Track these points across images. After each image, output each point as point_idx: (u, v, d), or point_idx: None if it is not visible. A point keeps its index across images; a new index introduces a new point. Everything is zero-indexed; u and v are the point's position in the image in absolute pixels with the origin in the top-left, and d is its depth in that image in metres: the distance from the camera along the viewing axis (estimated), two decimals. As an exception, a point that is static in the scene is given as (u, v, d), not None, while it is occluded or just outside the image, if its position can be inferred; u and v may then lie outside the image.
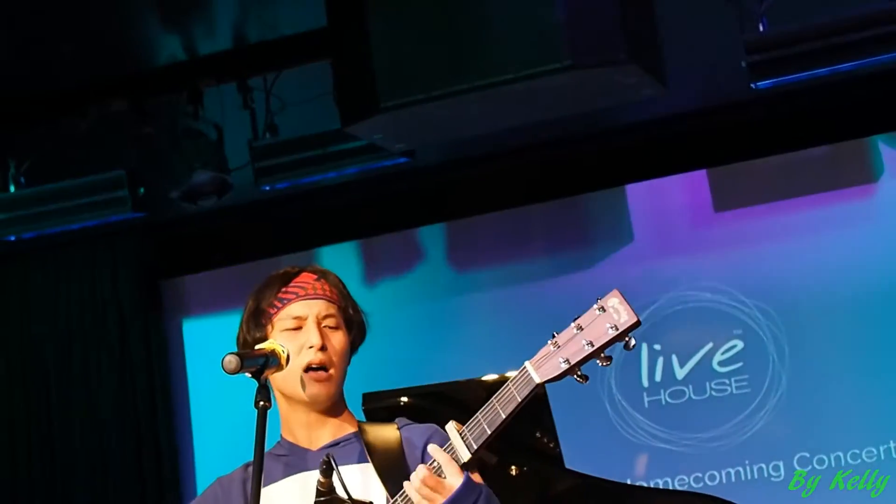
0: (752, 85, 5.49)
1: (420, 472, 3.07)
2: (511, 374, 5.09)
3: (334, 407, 3.44)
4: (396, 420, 3.45)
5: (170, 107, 6.38)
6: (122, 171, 6.52)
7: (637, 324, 2.84)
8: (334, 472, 2.97)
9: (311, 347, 3.36)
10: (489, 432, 2.96)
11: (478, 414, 2.99)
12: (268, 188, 6.41)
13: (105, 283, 7.88)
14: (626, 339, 2.86)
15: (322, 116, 6.01)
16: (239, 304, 3.46)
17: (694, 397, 7.02)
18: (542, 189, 7.39)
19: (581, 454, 5.34)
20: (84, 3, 5.70)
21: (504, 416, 2.94)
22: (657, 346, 7.10)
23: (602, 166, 7.30)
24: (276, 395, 3.46)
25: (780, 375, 6.92)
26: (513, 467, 4.85)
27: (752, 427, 6.92)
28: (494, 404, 2.96)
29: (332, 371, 3.37)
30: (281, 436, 3.49)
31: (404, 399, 5.05)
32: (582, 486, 4.91)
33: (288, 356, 3.25)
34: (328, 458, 3.00)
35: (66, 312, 7.87)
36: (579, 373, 2.90)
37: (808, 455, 6.82)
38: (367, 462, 3.32)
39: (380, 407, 4.95)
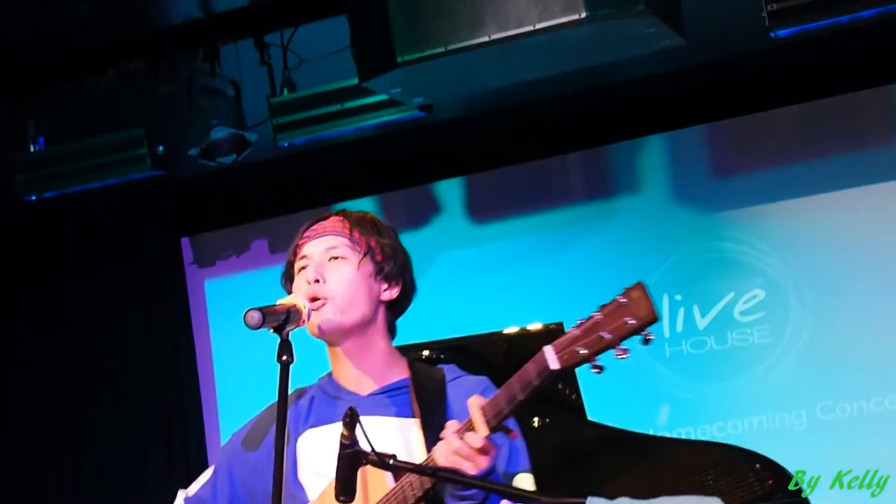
0: (772, 34, 5.45)
1: (452, 442, 3.07)
2: (532, 326, 5.12)
3: (374, 341, 3.45)
4: (446, 369, 3.44)
5: (187, 65, 6.37)
6: (140, 130, 6.52)
7: (656, 319, 2.88)
8: (357, 425, 2.99)
9: (308, 283, 3.37)
10: (506, 412, 3.02)
11: (498, 392, 3.03)
12: (286, 144, 6.41)
13: (127, 242, 7.91)
14: (644, 333, 2.90)
15: (339, 71, 6.00)
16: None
17: (716, 347, 7.02)
18: (561, 142, 7.38)
19: (603, 405, 5.34)
20: (100, -37, 5.70)
21: (521, 398, 2.99)
22: (678, 297, 7.10)
23: (621, 118, 7.29)
24: None
25: (801, 324, 6.91)
26: (535, 419, 4.86)
27: (774, 376, 6.92)
28: (513, 383, 3.00)
29: (330, 299, 3.35)
30: (331, 374, 3.49)
31: (426, 353, 5.05)
32: (604, 437, 4.92)
33: (309, 311, 3.27)
34: (351, 410, 3.01)
35: (89, 271, 7.90)
36: (595, 362, 2.94)
37: (830, 403, 6.82)
38: (412, 417, 3.33)
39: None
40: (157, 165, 6.55)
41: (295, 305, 3.23)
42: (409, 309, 3.60)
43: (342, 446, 2.99)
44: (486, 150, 7.47)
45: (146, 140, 6.51)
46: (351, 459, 3.00)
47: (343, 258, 3.41)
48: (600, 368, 2.93)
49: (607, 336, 2.90)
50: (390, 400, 3.37)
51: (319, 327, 3.33)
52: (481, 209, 7.55)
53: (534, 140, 7.39)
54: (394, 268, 3.45)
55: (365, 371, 3.41)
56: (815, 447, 6.73)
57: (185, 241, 8.03)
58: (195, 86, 6.39)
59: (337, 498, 3.00)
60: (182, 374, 7.85)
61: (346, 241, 3.43)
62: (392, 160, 7.59)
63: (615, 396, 6.77)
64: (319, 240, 3.45)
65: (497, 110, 7.29)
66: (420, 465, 3.08)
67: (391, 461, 3.01)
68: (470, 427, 3.06)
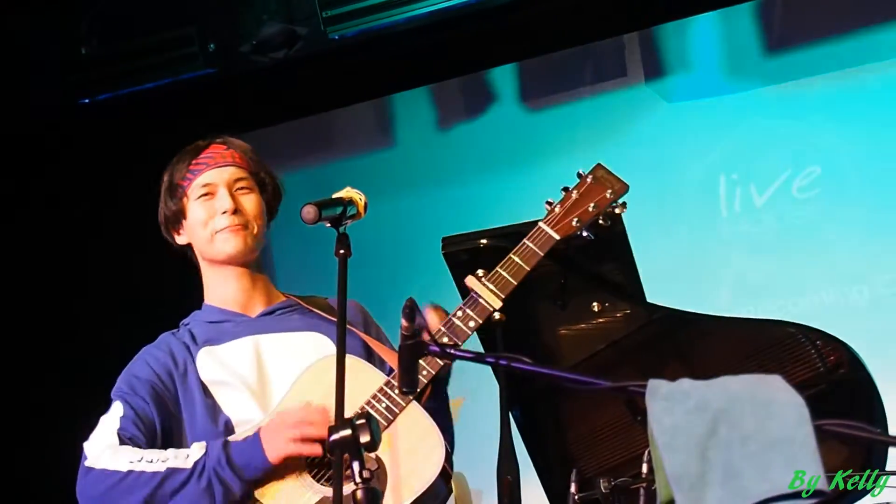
0: None
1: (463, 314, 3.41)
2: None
3: (258, 269, 3.55)
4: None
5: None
6: (192, 28, 6.52)
7: (628, 188, 3.52)
8: (417, 316, 3.01)
9: (224, 213, 3.47)
10: (516, 283, 3.46)
11: (496, 269, 3.48)
12: (337, 37, 6.40)
13: (181, 141, 7.90)
14: (620, 202, 3.52)
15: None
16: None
17: (774, 225, 6.98)
18: (613, 24, 7.31)
19: (662, 286, 5.34)
20: None
21: (527, 269, 3.47)
22: (734, 176, 7.05)
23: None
24: (201, 264, 3.57)
25: (861, 198, 6.84)
26: (594, 304, 4.87)
27: (834, 251, 6.88)
28: (511, 259, 3.47)
29: (247, 226, 3.47)
30: (205, 303, 3.59)
31: (484, 241, 5.05)
32: (664, 318, 4.93)
33: (366, 203, 3.31)
34: (411, 302, 3.04)
35: (144, 172, 7.91)
36: (587, 232, 3.52)
37: (892, 277, 6.77)
38: (314, 332, 3.56)
39: (460, 249, 4.98)
40: (209, 63, 6.56)
41: (351, 199, 3.27)
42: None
43: (403, 338, 3.02)
44: (539, 34, 7.41)
45: (197, 38, 6.51)
46: (412, 350, 3.03)
47: (250, 189, 3.62)
48: (593, 236, 3.53)
49: (593, 208, 3.50)
50: (280, 318, 3.47)
51: (237, 252, 3.55)
52: (535, 95, 7.51)
53: (586, 22, 7.32)
54: (275, 203, 3.70)
55: (255, 295, 3.61)
56: (877, 322, 6.70)
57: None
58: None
59: (400, 390, 3.05)
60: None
61: (247, 173, 3.59)
62: (443, 49, 7.54)
63: (674, 278, 6.77)
64: (221, 169, 3.60)
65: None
66: (488, 354, 3.15)
67: (452, 350, 3.04)
68: (475, 303, 3.40)
